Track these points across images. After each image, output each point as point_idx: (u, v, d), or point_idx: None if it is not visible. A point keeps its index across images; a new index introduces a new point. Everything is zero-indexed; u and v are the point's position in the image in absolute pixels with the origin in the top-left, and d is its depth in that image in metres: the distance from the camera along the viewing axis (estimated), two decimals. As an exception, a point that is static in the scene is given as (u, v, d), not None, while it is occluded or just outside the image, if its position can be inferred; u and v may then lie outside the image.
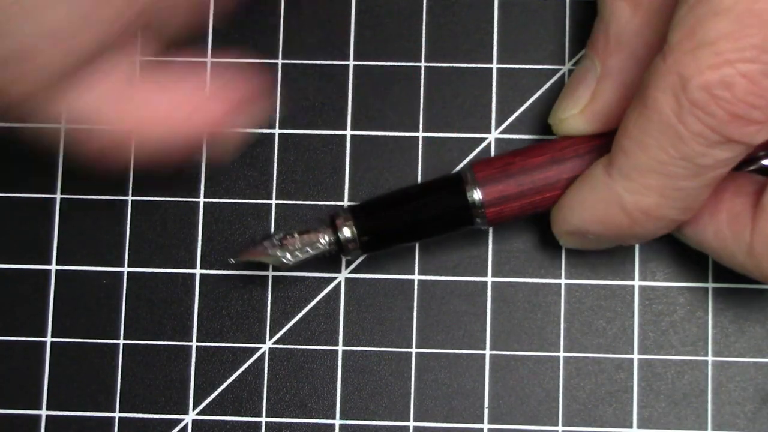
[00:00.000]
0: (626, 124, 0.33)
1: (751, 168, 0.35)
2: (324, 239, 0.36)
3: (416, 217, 0.36)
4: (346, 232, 0.36)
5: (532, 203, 0.36)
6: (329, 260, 0.38)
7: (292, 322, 0.39)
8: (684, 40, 0.31)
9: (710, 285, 0.38)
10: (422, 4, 0.40)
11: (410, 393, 0.38)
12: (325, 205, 0.39)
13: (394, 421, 0.38)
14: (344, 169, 0.39)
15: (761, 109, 0.31)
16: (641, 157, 0.33)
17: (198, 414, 0.38)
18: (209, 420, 0.38)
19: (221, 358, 0.39)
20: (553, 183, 0.35)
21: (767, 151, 0.35)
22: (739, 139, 0.32)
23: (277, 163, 0.39)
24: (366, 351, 0.39)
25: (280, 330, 0.39)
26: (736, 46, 0.31)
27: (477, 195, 0.35)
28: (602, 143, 0.35)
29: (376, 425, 0.38)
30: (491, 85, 0.40)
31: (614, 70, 0.35)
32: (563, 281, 0.39)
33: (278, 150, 0.39)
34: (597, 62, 0.36)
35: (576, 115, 0.36)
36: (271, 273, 0.39)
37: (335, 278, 0.39)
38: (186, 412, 0.38)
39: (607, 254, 0.39)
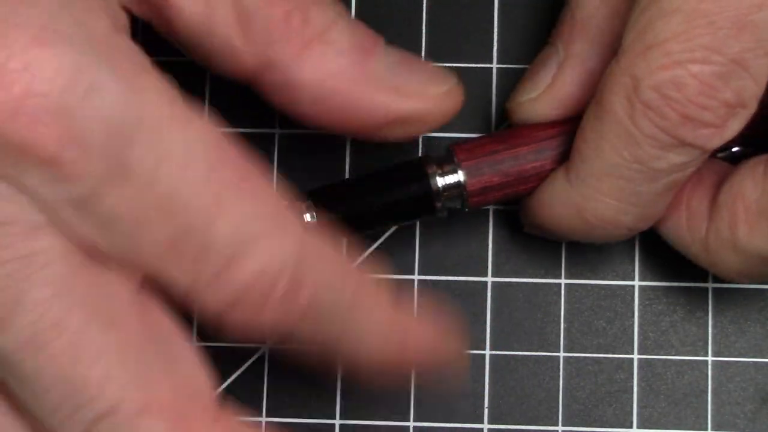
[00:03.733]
0: (583, 128, 0.33)
1: (721, 155, 0.35)
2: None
3: (384, 201, 0.35)
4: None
5: (516, 192, 0.36)
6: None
7: (292, 322, 0.39)
8: (636, 41, 0.31)
9: (710, 285, 0.38)
10: (422, 4, 0.40)
11: (410, 393, 0.38)
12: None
13: (394, 421, 0.38)
14: (344, 169, 0.39)
15: (713, 110, 0.31)
16: (597, 161, 0.33)
17: (198, 414, 0.38)
18: (209, 420, 0.38)
19: (221, 358, 0.39)
20: (537, 174, 0.35)
21: (740, 140, 0.35)
22: (692, 142, 0.31)
23: (277, 163, 0.39)
24: (366, 351, 0.39)
25: (280, 330, 0.39)
26: (686, 46, 0.30)
27: (461, 184, 0.35)
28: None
29: (376, 425, 0.38)
30: (491, 85, 0.40)
31: (577, 55, 0.35)
32: (563, 281, 0.39)
33: (278, 150, 0.39)
34: (560, 48, 0.36)
35: (534, 99, 0.36)
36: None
37: (335, 278, 0.39)
38: (186, 412, 0.38)
39: (607, 254, 0.39)
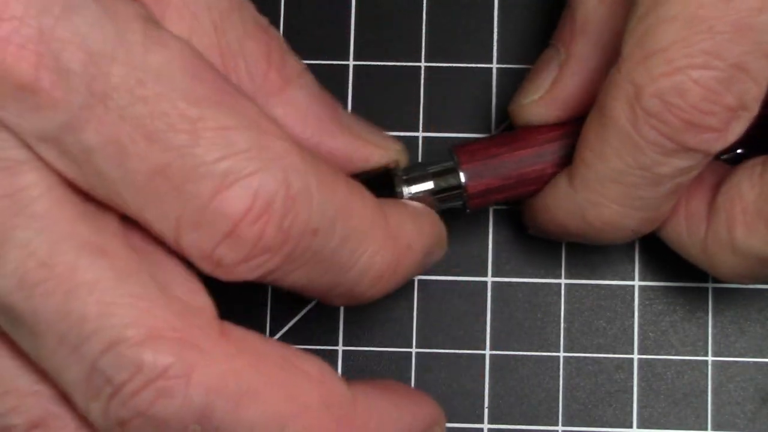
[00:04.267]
0: (585, 134, 0.33)
1: (725, 157, 0.35)
2: None
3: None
4: None
5: (517, 194, 0.36)
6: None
7: (292, 322, 0.39)
8: (635, 49, 0.31)
9: (710, 285, 0.38)
10: (422, 4, 0.40)
11: (410, 393, 0.38)
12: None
13: (394, 421, 0.38)
14: (344, 169, 0.39)
15: (715, 115, 0.31)
16: (601, 168, 0.33)
17: (198, 414, 0.38)
18: (209, 420, 0.38)
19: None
20: (538, 177, 0.35)
21: (742, 142, 0.35)
22: (695, 147, 0.31)
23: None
24: (366, 351, 0.39)
25: (280, 330, 0.39)
26: (687, 52, 0.30)
27: (461, 186, 0.35)
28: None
29: (376, 425, 0.38)
30: (491, 85, 0.40)
31: (578, 56, 0.35)
32: (563, 281, 0.39)
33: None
34: (561, 49, 0.36)
35: (537, 101, 0.36)
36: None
37: (335, 278, 0.39)
38: (186, 412, 0.38)
39: (607, 254, 0.39)
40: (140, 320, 0.28)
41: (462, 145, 0.35)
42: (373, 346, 0.39)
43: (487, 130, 0.39)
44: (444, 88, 0.39)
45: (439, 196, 0.35)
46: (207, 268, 0.30)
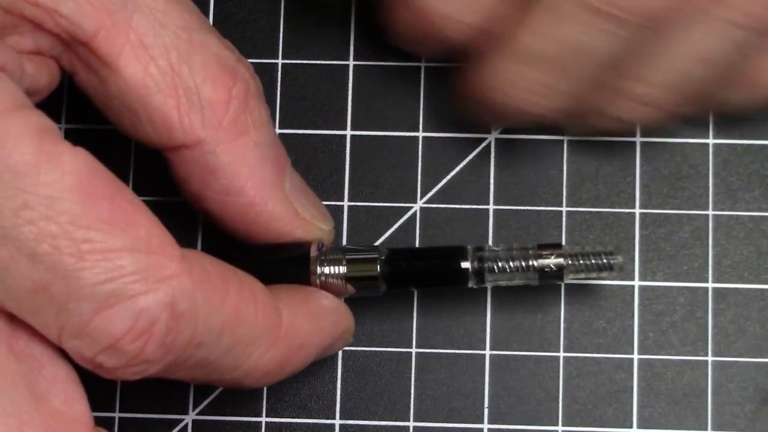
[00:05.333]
0: None
1: None
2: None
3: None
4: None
5: None
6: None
7: (292, 322, 0.39)
8: None
9: (710, 285, 0.38)
10: (422, 4, 0.40)
11: (410, 393, 0.38)
12: (324, 204, 0.38)
13: (394, 421, 0.38)
14: (344, 169, 0.39)
15: None
16: None
17: (198, 414, 0.38)
18: (209, 420, 0.38)
19: (221, 358, 0.39)
20: None
21: None
22: None
23: (277, 163, 0.39)
24: (366, 351, 0.39)
25: (280, 330, 0.39)
26: None
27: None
28: None
29: (376, 425, 0.38)
30: (491, 85, 0.39)
31: None
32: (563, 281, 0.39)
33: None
34: None
35: None
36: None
37: (335, 278, 0.39)
38: (186, 412, 0.38)
39: (607, 254, 0.39)
40: None
41: None
42: (373, 346, 0.39)
43: (487, 130, 0.39)
44: (444, 88, 0.39)
45: (354, 282, 0.35)
46: (88, 368, 0.30)
